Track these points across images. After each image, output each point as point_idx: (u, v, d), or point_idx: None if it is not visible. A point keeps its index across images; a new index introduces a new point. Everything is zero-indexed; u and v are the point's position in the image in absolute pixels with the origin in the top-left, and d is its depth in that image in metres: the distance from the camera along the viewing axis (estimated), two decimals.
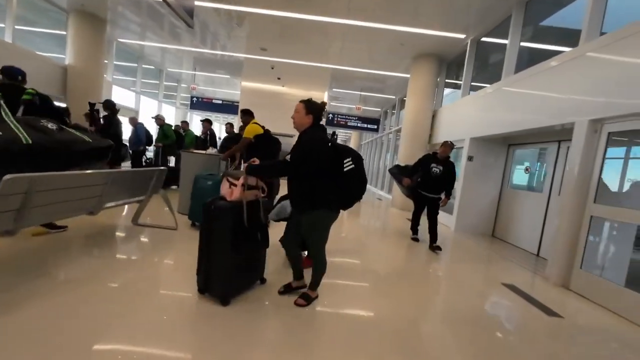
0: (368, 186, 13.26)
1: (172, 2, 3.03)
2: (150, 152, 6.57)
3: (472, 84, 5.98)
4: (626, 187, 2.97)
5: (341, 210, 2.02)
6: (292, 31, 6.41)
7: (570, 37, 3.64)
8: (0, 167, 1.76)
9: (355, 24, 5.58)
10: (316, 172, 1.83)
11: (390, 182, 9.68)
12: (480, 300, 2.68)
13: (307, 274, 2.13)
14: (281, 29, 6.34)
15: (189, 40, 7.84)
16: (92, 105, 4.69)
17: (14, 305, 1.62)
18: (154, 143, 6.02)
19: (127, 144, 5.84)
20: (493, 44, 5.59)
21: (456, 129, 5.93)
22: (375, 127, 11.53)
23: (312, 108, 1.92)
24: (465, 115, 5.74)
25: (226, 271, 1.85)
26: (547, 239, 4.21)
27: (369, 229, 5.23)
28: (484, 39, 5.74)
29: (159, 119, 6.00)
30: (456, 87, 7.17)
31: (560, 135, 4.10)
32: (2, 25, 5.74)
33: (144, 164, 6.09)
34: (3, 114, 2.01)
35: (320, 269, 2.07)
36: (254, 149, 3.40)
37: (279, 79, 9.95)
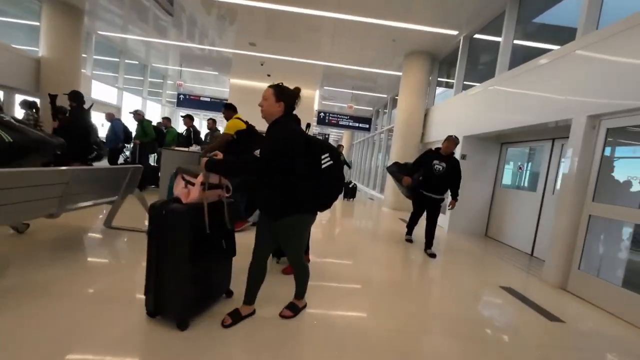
0: (360, 186, 13.09)
1: None
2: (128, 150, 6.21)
3: (465, 82, 5.89)
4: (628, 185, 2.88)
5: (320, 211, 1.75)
6: (282, 26, 6.20)
7: (565, 34, 3.55)
8: None
9: (346, 18, 5.41)
10: (290, 169, 1.56)
11: (382, 181, 9.57)
12: (479, 306, 2.52)
13: (288, 281, 1.93)
14: (270, 23, 6.12)
15: (175, 35, 7.52)
16: (52, 97, 4.24)
17: None
18: (132, 140, 5.67)
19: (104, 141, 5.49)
20: (486, 41, 5.51)
21: (449, 128, 5.82)
22: (367, 126, 11.41)
23: (283, 94, 1.62)
24: (458, 113, 5.64)
25: (183, 288, 1.55)
26: (541, 238, 4.13)
27: (360, 229, 5.06)
28: (477, 35, 5.66)
29: (137, 114, 5.62)
30: (448, 85, 7.10)
31: (554, 133, 4.02)
32: None
33: (122, 162, 5.74)
34: None
35: (303, 276, 1.86)
36: (236, 146, 3.17)
37: (269, 75, 9.71)
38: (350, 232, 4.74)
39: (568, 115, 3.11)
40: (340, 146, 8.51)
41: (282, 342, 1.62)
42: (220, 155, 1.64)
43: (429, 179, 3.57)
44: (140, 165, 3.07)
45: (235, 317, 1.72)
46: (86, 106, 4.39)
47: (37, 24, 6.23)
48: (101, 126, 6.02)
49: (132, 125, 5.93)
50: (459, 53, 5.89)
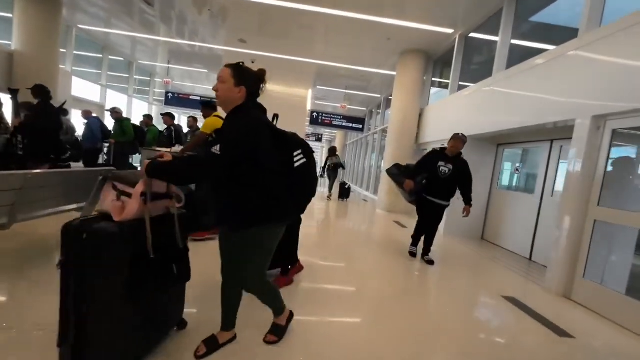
0: (354, 186, 12.84)
1: None
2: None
3: (460, 83, 5.77)
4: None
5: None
6: (274, 22, 5.97)
7: (566, 34, 3.43)
8: None
9: (340, 14, 5.22)
10: (256, 168, 1.26)
11: (376, 182, 9.41)
12: (483, 320, 2.35)
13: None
14: (262, 19, 5.88)
15: (161, 30, 7.20)
16: (13, 92, 3.74)
17: None
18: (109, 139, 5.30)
19: (81, 141, 5.14)
20: (482, 40, 5.40)
21: (444, 128, 5.68)
22: (361, 126, 11.26)
23: (245, 77, 1.29)
24: (454, 113, 5.50)
25: (116, 333, 1.15)
26: (539, 242, 4.00)
27: (354, 233, 4.86)
28: (472, 34, 5.54)
29: (115, 112, 5.26)
30: (441, 85, 6.99)
31: (553, 134, 3.90)
32: None
33: (101, 163, 5.40)
34: None
35: (271, 295, 1.57)
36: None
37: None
38: (344, 235, 4.53)
39: (570, 116, 2.98)
40: (334, 148, 8.27)
41: None
42: (168, 157, 1.25)
43: (434, 183, 3.23)
44: (113, 168, 2.80)
45: (211, 344, 1.46)
46: (58, 103, 4.03)
47: (10, 15, 5.84)
48: (83, 125, 5.67)
49: (110, 124, 5.59)
50: (455, 52, 5.76)
